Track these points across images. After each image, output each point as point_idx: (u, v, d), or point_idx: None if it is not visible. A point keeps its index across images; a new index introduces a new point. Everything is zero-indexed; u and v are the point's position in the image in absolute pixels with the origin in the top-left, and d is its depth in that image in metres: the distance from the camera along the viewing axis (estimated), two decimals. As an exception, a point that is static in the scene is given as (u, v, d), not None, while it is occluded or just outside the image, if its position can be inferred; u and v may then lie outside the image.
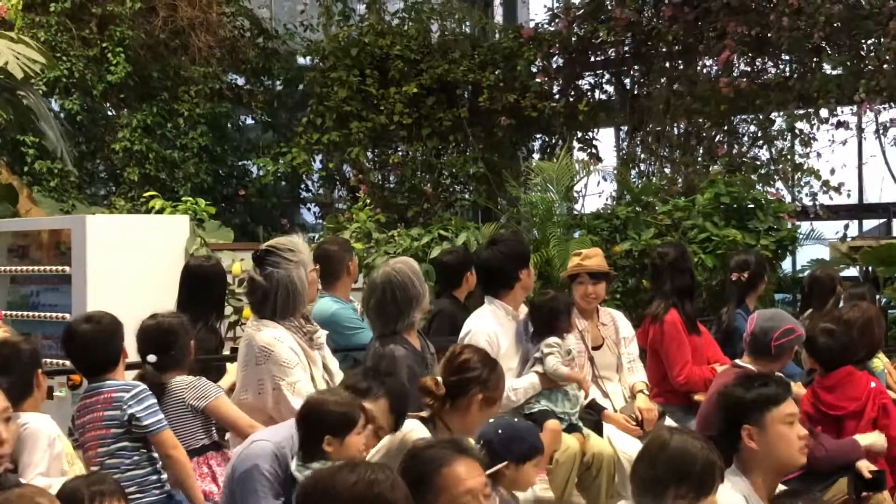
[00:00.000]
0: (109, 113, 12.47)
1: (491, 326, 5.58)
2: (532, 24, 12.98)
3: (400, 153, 12.63)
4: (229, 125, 12.79)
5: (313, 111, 12.28)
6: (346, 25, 12.76)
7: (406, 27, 12.77)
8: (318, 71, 12.53)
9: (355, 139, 12.14)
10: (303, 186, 13.28)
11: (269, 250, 4.83)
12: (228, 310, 7.57)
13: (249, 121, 13.24)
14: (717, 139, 11.73)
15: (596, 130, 12.76)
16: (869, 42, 10.86)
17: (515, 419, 4.32)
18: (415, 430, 4.12)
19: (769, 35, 11.14)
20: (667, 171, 12.01)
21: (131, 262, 7.69)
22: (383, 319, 5.15)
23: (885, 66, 10.51)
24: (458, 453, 3.18)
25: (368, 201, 10.23)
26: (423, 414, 4.26)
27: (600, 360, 6.11)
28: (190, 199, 9.05)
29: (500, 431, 3.96)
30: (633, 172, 12.21)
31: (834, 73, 11.01)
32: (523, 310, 5.80)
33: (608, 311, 6.34)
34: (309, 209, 13.27)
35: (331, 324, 5.28)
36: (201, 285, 5.95)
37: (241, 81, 13.00)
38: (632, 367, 6.18)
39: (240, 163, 12.93)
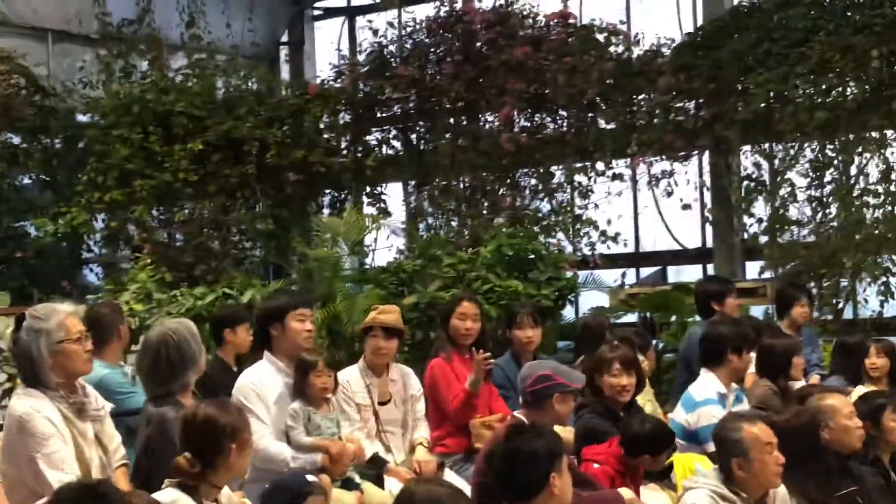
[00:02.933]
0: None
1: (257, 376, 5.59)
2: (318, 81, 13.04)
3: (186, 211, 12.41)
4: (5, 185, 12.33)
5: (94, 169, 11.93)
6: (127, 82, 12.50)
7: (190, 84, 12.61)
8: (98, 128, 12.21)
9: (139, 197, 11.86)
10: (84, 247, 12.87)
11: (23, 316, 4.67)
12: (3, 377, 7.30)
13: (27, 180, 12.76)
14: (500, 192, 12.02)
15: (384, 185, 12.88)
16: (640, 98, 11.36)
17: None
18: (177, 500, 4.03)
19: (546, 92, 11.54)
20: (454, 224, 12.22)
21: None
22: (157, 380, 5.07)
23: (654, 120, 11.03)
24: None
25: (150, 261, 10.00)
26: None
27: (386, 415, 6.19)
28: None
29: (266, 485, 3.94)
30: (421, 226, 12.38)
31: (608, 127, 11.48)
32: None
33: (400, 367, 6.41)
34: (91, 270, 12.86)
35: (100, 389, 5.13)
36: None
37: (16, 140, 12.54)
38: (416, 424, 6.29)
39: (17, 224, 12.44)
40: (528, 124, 11.83)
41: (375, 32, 12.62)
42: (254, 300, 8.86)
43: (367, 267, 11.44)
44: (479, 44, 11.90)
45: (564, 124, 11.77)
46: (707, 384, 6.23)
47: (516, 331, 7.04)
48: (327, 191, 13.06)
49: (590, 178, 11.66)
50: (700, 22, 11.50)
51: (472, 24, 11.90)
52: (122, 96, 12.21)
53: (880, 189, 10.04)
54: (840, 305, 10.28)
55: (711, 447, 5.31)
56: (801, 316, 7.94)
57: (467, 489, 5.26)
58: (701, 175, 11.34)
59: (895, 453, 5.64)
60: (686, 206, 11.29)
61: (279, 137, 12.37)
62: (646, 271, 11.94)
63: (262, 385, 5.56)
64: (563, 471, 4.14)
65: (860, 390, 6.47)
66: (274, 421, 5.54)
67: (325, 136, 12.66)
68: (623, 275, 11.60)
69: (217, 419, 4.12)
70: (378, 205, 12.82)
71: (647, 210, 11.79)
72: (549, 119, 11.82)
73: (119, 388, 5.93)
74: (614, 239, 11.57)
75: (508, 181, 12.06)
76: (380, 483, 5.69)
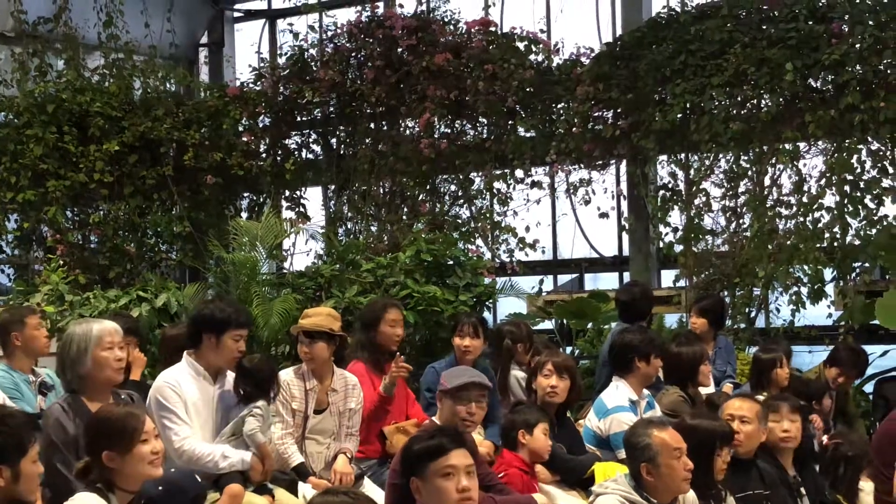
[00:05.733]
0: None
1: (175, 377, 5.51)
2: (237, 84, 12.94)
3: (101, 212, 12.22)
4: (-85, 184, 12.04)
5: (7, 169, 11.69)
6: (42, 81, 12.27)
7: (107, 84, 12.43)
8: (11, 128, 11.98)
9: (53, 198, 11.66)
10: (-5, 247, 12.61)
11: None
12: None
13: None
14: (420, 198, 12.03)
15: (303, 189, 12.82)
16: (559, 106, 11.46)
17: (172, 469, 4.27)
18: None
19: (467, 98, 11.59)
20: (373, 229, 12.21)
21: None
22: (62, 377, 5.13)
23: (573, 129, 11.12)
24: None
25: (63, 262, 9.84)
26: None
27: (319, 424, 6.12)
28: None
29: (160, 487, 3.92)
30: (340, 231, 12.34)
31: (527, 135, 11.56)
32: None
33: (346, 378, 6.28)
34: (3, 271, 12.60)
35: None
36: None
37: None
38: (347, 438, 6.23)
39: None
40: (449, 130, 11.87)
41: (296, 36, 12.55)
42: (168, 304, 8.76)
43: (285, 271, 11.37)
44: (399, 49, 11.92)
45: (484, 131, 11.82)
46: (618, 391, 6.30)
47: (456, 338, 7.04)
48: (245, 194, 12.98)
49: (509, 185, 11.73)
50: (619, 32, 11.63)
51: (394, 30, 11.91)
52: (36, 95, 11.98)
53: (793, 200, 10.25)
54: (753, 314, 10.45)
55: (623, 453, 5.37)
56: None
57: (382, 496, 5.27)
58: (618, 184, 11.46)
59: (797, 453, 5.77)
60: (603, 215, 11.41)
61: (197, 139, 12.28)
62: (563, 278, 12.03)
63: (181, 387, 5.47)
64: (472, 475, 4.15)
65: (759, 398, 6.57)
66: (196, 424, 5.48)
67: (244, 138, 12.56)
68: (541, 282, 11.66)
69: (118, 421, 4.11)
70: (297, 209, 12.76)
71: (565, 218, 11.89)
72: (469, 126, 11.87)
73: (7, 394, 5.91)
74: (532, 246, 11.65)
75: (428, 187, 12.08)
76: (293, 489, 5.64)
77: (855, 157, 9.92)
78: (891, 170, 9.83)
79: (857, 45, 9.75)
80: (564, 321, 10.83)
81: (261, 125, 12.74)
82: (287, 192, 12.79)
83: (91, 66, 12.71)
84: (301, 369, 6.15)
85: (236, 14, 14.35)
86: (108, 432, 4.09)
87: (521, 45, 11.68)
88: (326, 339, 6.15)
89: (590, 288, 11.56)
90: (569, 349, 10.52)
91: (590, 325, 10.59)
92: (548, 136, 11.32)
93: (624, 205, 11.36)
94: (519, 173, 11.66)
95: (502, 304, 11.31)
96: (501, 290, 10.36)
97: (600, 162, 11.26)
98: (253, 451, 5.40)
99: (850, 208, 9.91)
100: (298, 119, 12.71)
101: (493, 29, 11.88)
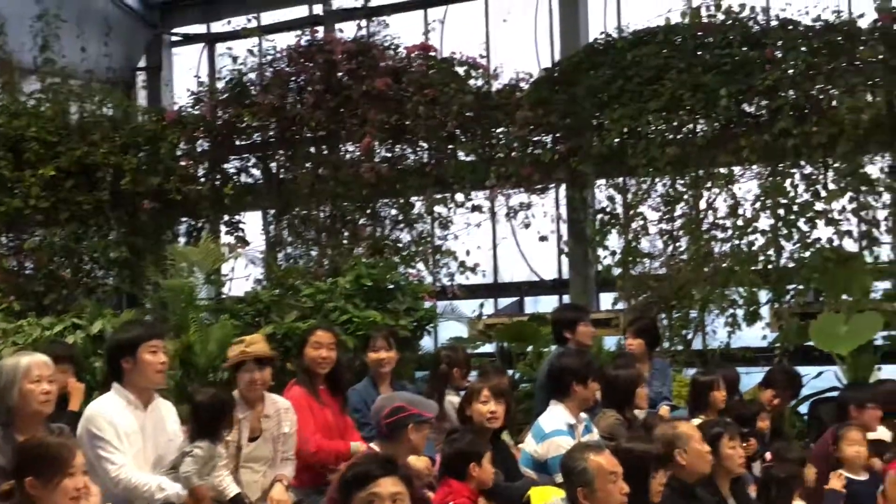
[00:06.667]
0: None
1: (106, 408, 5.43)
2: (176, 108, 12.86)
3: (37, 238, 12.06)
4: None
5: (-60, 194, 11.55)
6: (-23, 106, 12.14)
7: (43, 108, 12.30)
8: (-55, 152, 11.81)
9: (-13, 224, 11.52)
10: (-72, 274, 12.40)
11: None
12: None
13: None
14: (360, 222, 12.02)
15: (242, 214, 12.74)
16: (498, 131, 11.52)
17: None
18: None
19: (407, 123, 11.61)
20: (313, 253, 12.16)
21: None
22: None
23: (513, 153, 11.20)
24: None
25: (-1, 289, 9.70)
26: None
27: (253, 452, 6.07)
28: None
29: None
30: (280, 256, 12.29)
31: (468, 159, 11.60)
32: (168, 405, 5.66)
33: (276, 402, 6.24)
34: (-65, 298, 12.38)
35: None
36: None
37: None
38: (284, 463, 6.18)
39: None
40: (389, 155, 11.87)
41: (235, 60, 12.51)
42: (103, 331, 8.66)
43: (224, 297, 11.29)
44: (340, 74, 11.92)
45: (425, 155, 11.84)
46: (555, 415, 6.31)
47: (371, 353, 7.08)
48: (183, 219, 12.87)
49: (449, 209, 11.76)
50: (557, 57, 11.73)
51: (334, 54, 11.91)
52: (-29, 120, 11.83)
53: (728, 223, 10.37)
54: (689, 336, 10.54)
55: (560, 477, 5.38)
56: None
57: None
58: (557, 208, 11.52)
59: (733, 480, 5.83)
60: (543, 238, 11.46)
61: (134, 164, 12.19)
62: (503, 302, 12.06)
63: (113, 416, 5.39)
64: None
65: (694, 422, 6.62)
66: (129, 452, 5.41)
67: (183, 163, 12.48)
68: (481, 305, 11.69)
69: (48, 448, 4.10)
70: (236, 234, 12.68)
71: (506, 241, 11.92)
72: (410, 150, 11.88)
73: None
74: (473, 270, 11.68)
75: (368, 211, 12.07)
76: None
77: (788, 181, 10.08)
78: (823, 193, 9.99)
79: (791, 71, 9.93)
80: (505, 344, 10.85)
81: (199, 149, 12.68)
82: (226, 217, 12.71)
83: (27, 91, 12.56)
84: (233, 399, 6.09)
85: (174, 38, 14.27)
86: (36, 459, 4.04)
87: (460, 70, 11.73)
88: (270, 363, 6.17)
89: (530, 311, 11.58)
90: (510, 372, 10.53)
91: (530, 349, 10.61)
92: (488, 161, 11.38)
93: (563, 228, 11.44)
94: (459, 197, 11.69)
95: (443, 328, 11.30)
96: (442, 314, 10.38)
97: (540, 186, 11.33)
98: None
99: (784, 231, 10.06)
100: (237, 143, 12.64)
101: (432, 54, 11.92)
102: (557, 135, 11.10)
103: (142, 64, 14.24)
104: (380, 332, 7.25)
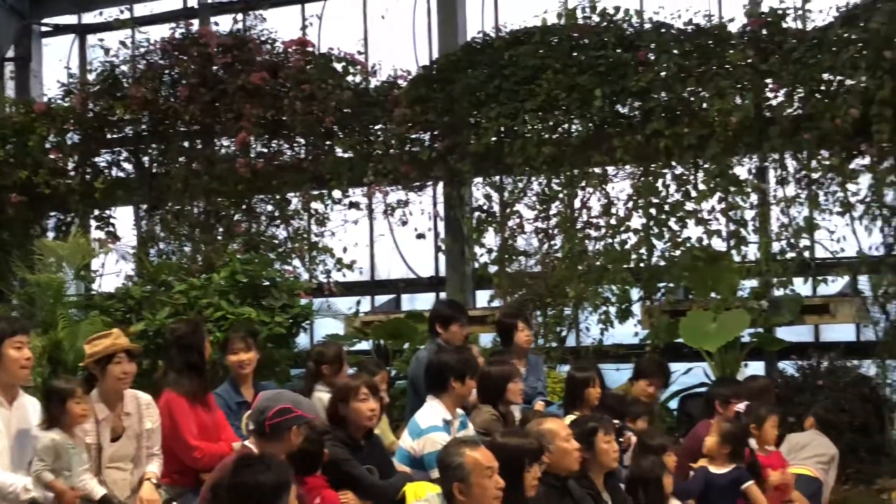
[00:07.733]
0: None
1: None
2: (45, 99, 12.53)
3: None
4: None
5: None
6: None
7: None
8: None
9: None
10: None
11: None
12: None
13: None
14: (235, 218, 11.87)
15: (114, 208, 12.48)
16: (376, 128, 11.50)
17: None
18: None
19: (284, 118, 11.51)
20: (186, 249, 11.97)
21: None
22: None
23: (390, 150, 11.19)
24: None
25: None
26: None
27: (116, 451, 5.91)
28: None
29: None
30: (152, 251, 12.05)
31: (345, 156, 11.55)
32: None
33: (137, 398, 6.08)
34: None
35: None
36: None
37: None
38: (150, 459, 6.05)
39: None
40: (265, 150, 11.74)
41: (107, 51, 12.25)
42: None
43: (94, 293, 11.02)
44: (215, 67, 11.76)
45: (302, 151, 11.75)
46: (432, 411, 6.32)
47: (230, 355, 6.94)
48: (52, 213, 12.58)
49: (326, 206, 11.69)
50: (435, 55, 11.76)
51: (209, 48, 11.74)
52: None
53: (601, 222, 10.55)
54: (564, 333, 10.68)
55: (436, 473, 5.39)
56: (525, 341, 8.08)
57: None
58: (435, 205, 11.57)
59: (607, 474, 5.91)
60: (420, 236, 11.50)
61: (1, 156, 11.88)
62: (380, 299, 12.04)
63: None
64: (292, 502, 4.12)
65: (570, 417, 6.71)
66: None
67: (52, 156, 12.16)
68: (358, 302, 11.65)
69: None
70: (106, 229, 12.42)
71: (383, 238, 11.91)
72: (287, 146, 11.77)
73: None
74: (350, 267, 11.64)
75: (244, 207, 11.93)
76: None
77: (660, 181, 10.29)
78: (694, 193, 10.22)
79: (663, 74, 10.13)
80: (381, 342, 10.84)
81: (69, 142, 12.38)
82: (96, 212, 12.45)
83: None
84: (90, 399, 5.88)
85: (44, 28, 13.90)
86: None
87: (338, 66, 11.68)
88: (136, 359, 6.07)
89: (407, 308, 11.60)
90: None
91: (406, 346, 10.61)
92: (365, 157, 11.35)
93: (440, 226, 11.48)
94: (336, 194, 11.64)
95: (319, 325, 11.24)
96: (318, 311, 10.29)
97: (417, 183, 11.36)
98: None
99: (656, 230, 10.27)
100: (109, 136, 12.38)
101: (310, 49, 11.84)
102: (435, 133, 11.13)
103: (10, 54, 13.83)
104: (237, 334, 7.09)
